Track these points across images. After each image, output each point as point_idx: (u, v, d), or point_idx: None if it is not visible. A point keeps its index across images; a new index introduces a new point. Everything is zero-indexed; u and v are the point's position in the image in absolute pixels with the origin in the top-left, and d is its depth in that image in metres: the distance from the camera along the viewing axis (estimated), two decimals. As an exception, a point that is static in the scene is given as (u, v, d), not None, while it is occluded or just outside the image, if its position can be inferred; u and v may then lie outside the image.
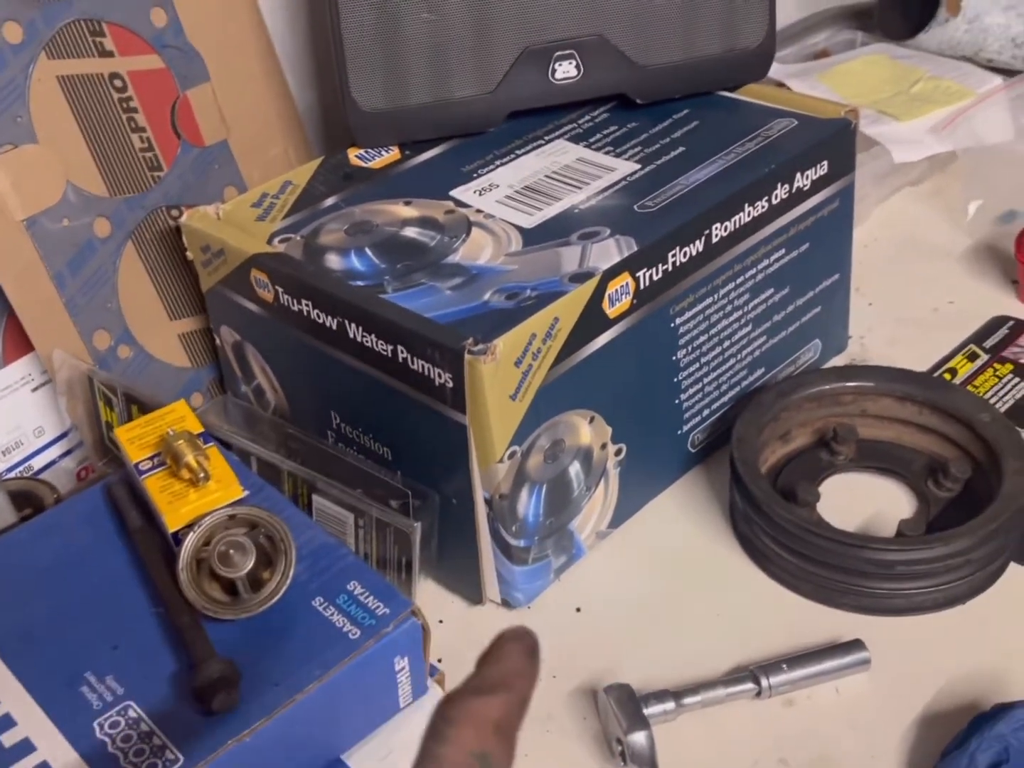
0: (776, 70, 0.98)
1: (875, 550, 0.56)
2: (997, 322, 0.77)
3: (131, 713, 0.45)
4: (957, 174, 0.91)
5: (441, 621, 0.60)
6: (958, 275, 0.84)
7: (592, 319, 0.57)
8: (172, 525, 0.49)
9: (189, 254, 0.66)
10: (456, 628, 0.60)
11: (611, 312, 0.58)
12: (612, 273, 0.57)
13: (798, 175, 0.65)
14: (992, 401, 0.70)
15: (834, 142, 0.67)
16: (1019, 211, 0.86)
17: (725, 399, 0.68)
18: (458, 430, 0.55)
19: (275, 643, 0.47)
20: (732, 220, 0.62)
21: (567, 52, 0.69)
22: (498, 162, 0.68)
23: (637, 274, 0.58)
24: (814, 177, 0.66)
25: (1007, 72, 0.98)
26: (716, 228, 0.62)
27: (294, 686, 0.45)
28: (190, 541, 0.48)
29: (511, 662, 0.31)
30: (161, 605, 0.49)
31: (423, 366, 0.54)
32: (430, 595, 0.62)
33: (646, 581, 0.62)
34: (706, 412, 0.67)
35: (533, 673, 0.31)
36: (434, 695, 0.51)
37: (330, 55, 0.69)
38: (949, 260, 0.85)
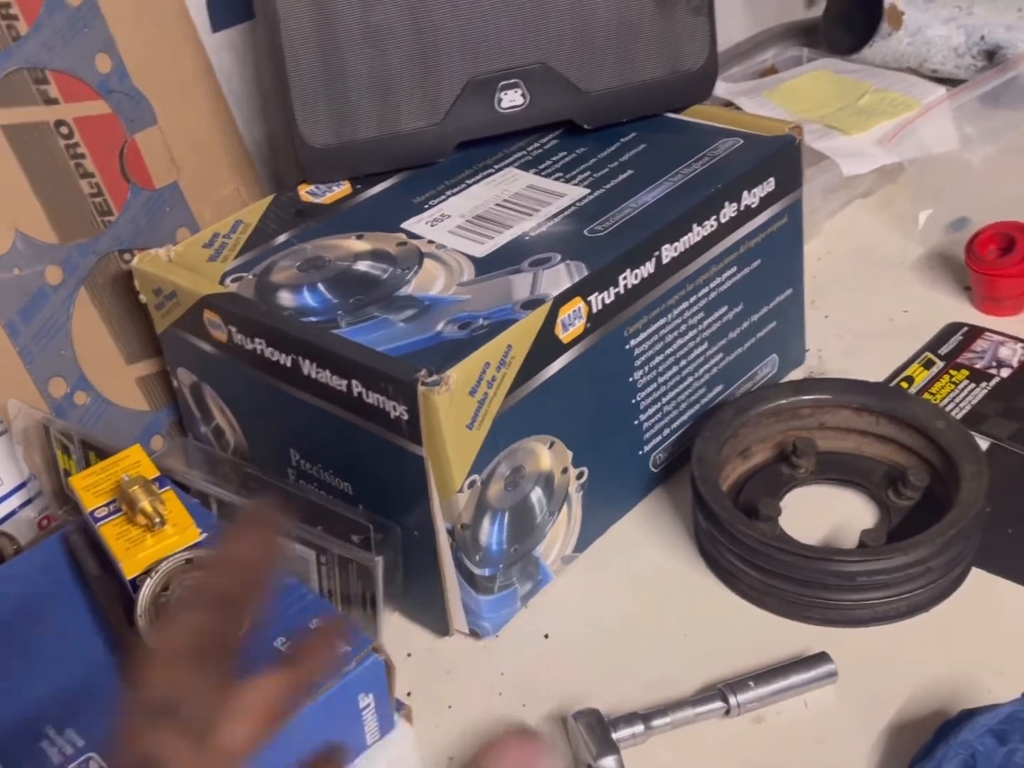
0: (724, 89, 0.99)
1: (837, 562, 0.57)
2: (951, 329, 0.78)
3: (92, 765, 0.44)
4: (906, 185, 0.92)
5: (409, 654, 0.60)
6: (911, 284, 0.84)
7: (546, 345, 0.57)
8: (129, 572, 0.49)
9: (142, 297, 0.66)
10: (424, 661, 0.60)
11: (564, 337, 0.58)
12: (563, 299, 0.57)
13: (745, 193, 0.66)
14: (949, 407, 0.71)
15: (779, 159, 0.68)
16: (968, 218, 0.87)
17: (685, 417, 0.68)
18: (416, 462, 0.55)
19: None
20: (681, 240, 0.63)
21: (512, 81, 0.69)
22: (449, 192, 0.69)
23: (589, 298, 0.59)
24: (761, 194, 0.67)
25: (952, 81, 0.99)
26: (666, 249, 0.62)
27: (257, 729, 0.45)
28: (147, 587, 0.47)
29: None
30: (121, 652, 0.48)
31: (378, 399, 0.54)
32: (396, 628, 0.61)
33: (613, 604, 0.62)
34: (666, 431, 0.68)
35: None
36: (401, 730, 0.51)
37: (277, 92, 0.69)
38: (902, 269, 0.86)
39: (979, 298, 0.80)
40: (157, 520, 0.50)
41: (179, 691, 0.27)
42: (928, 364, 0.75)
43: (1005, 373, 0.73)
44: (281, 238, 0.66)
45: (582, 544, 0.65)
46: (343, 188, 0.71)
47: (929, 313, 0.80)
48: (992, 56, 1.00)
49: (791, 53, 1.08)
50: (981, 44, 1.00)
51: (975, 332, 0.77)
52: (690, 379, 0.68)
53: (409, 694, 0.57)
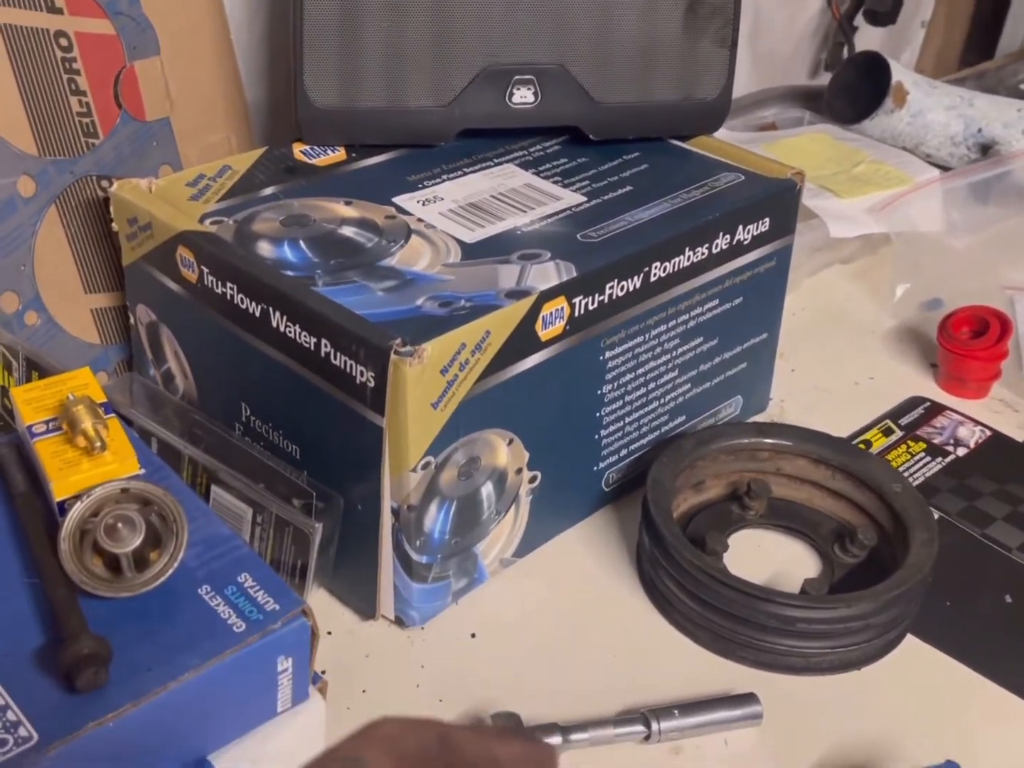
0: (724, 136, 0.99)
1: (779, 604, 0.56)
2: (914, 402, 0.79)
3: (-14, 683, 0.42)
4: (887, 258, 0.93)
5: (330, 633, 0.58)
6: (880, 353, 0.85)
7: (523, 338, 0.56)
8: (59, 493, 0.46)
9: (115, 225, 0.64)
10: (344, 642, 0.58)
11: (543, 335, 0.57)
12: (549, 295, 0.56)
13: (740, 228, 0.66)
14: (903, 476, 0.71)
15: (778, 201, 0.68)
16: (943, 300, 0.88)
17: (643, 442, 0.67)
18: (374, 432, 0.53)
19: (153, 628, 0.45)
20: (672, 262, 0.62)
21: (527, 77, 0.69)
22: (445, 176, 0.68)
23: (573, 300, 0.58)
24: (755, 232, 0.67)
25: (944, 169, 1.00)
26: (655, 267, 0.61)
27: (168, 674, 0.43)
28: (76, 510, 0.45)
29: (509, 753, 0.28)
30: (36, 575, 0.46)
31: (346, 362, 0.53)
32: (321, 605, 0.59)
33: (545, 614, 0.60)
34: (624, 452, 0.66)
35: None
36: (315, 703, 0.48)
37: (286, 49, 0.68)
38: (872, 338, 0.87)
39: (945, 377, 0.80)
40: (98, 444, 0.47)
41: None
42: (887, 431, 0.75)
43: (961, 452, 0.74)
44: (268, 191, 0.65)
45: (523, 549, 0.63)
46: (338, 154, 0.69)
47: (894, 383, 0.81)
48: (986, 150, 1.02)
49: (793, 114, 1.09)
50: (977, 136, 1.02)
51: (937, 408, 0.78)
52: (655, 403, 0.67)
53: (324, 672, 0.54)
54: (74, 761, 0.40)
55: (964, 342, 0.78)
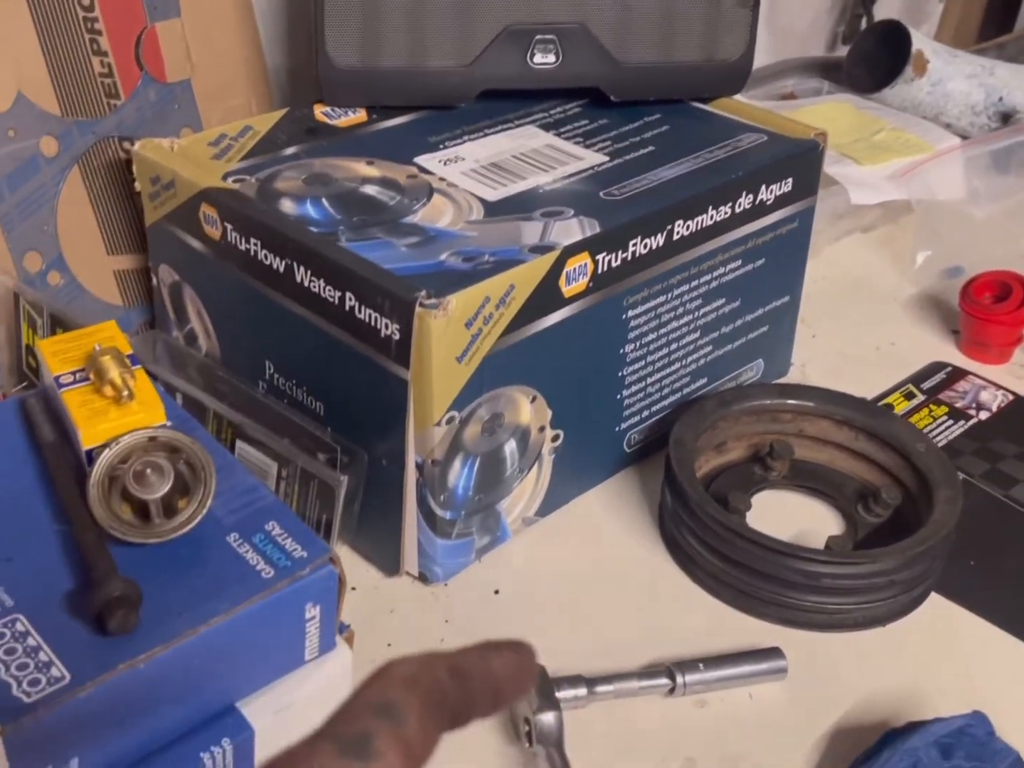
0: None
1: (804, 560, 0.56)
2: (936, 367, 0.78)
3: (19, 626, 0.42)
4: (908, 226, 0.92)
5: (354, 588, 0.58)
6: (901, 320, 0.85)
7: (547, 294, 0.56)
8: (88, 442, 0.47)
9: (137, 185, 0.64)
10: (368, 597, 0.58)
11: (567, 291, 0.57)
12: (572, 250, 0.56)
13: (763, 187, 0.65)
14: (925, 439, 0.70)
15: (801, 161, 0.68)
16: (963, 268, 0.88)
17: (665, 403, 0.67)
18: (399, 386, 0.53)
19: (183, 573, 0.45)
20: (695, 220, 0.62)
21: (548, 37, 0.68)
22: (466, 137, 0.67)
23: (597, 256, 0.57)
24: (778, 192, 0.67)
25: (963, 138, 1.00)
26: (678, 225, 0.61)
27: (197, 618, 0.43)
28: (105, 456, 0.45)
29: (503, 663, 0.29)
30: (66, 523, 0.46)
31: (371, 315, 0.53)
32: (345, 562, 0.58)
33: (568, 571, 0.60)
34: (645, 413, 0.66)
35: (510, 690, 0.29)
36: (341, 653, 0.49)
37: (306, 12, 0.68)
38: (893, 305, 0.86)
39: (966, 342, 0.80)
40: (125, 393, 0.47)
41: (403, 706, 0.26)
42: (909, 395, 0.75)
43: (984, 416, 0.73)
44: (289, 150, 0.65)
45: (545, 508, 0.63)
46: (359, 115, 0.69)
47: (915, 349, 0.80)
48: (1007, 119, 1.01)
49: (811, 84, 1.09)
50: (999, 105, 1.01)
51: (959, 373, 0.77)
52: (677, 365, 0.67)
53: (349, 625, 0.54)
54: (105, 701, 0.40)
55: (986, 306, 0.78)
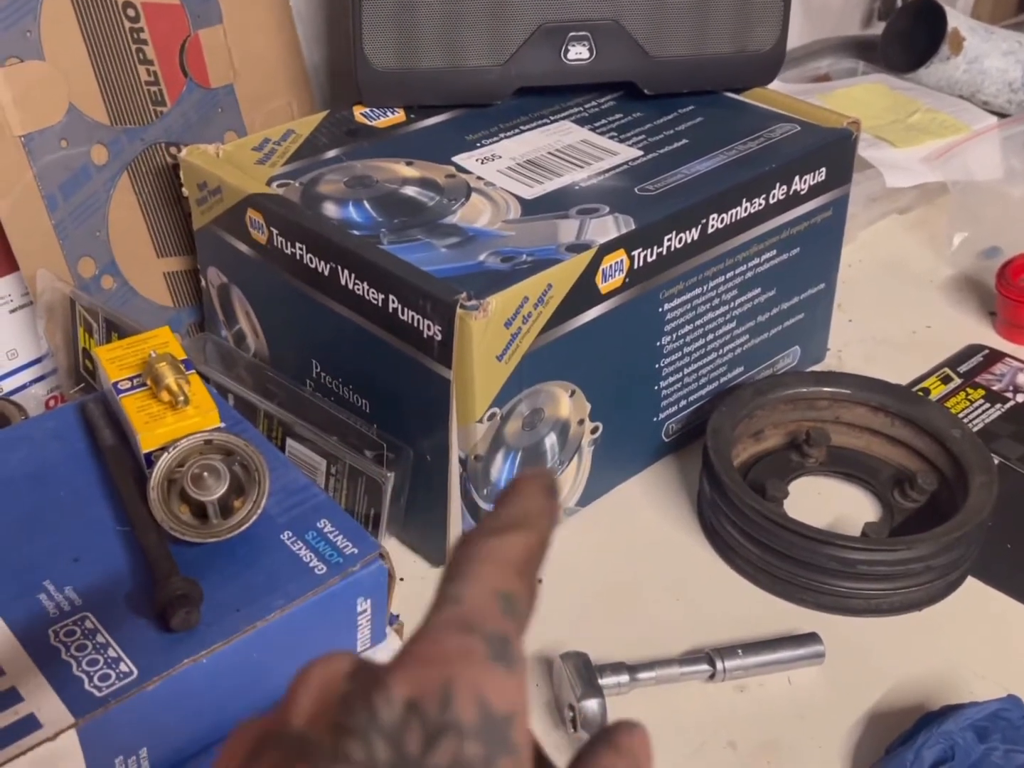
0: (777, 88, 0.99)
1: (840, 547, 0.57)
2: (972, 350, 0.79)
3: (88, 624, 0.44)
4: (944, 207, 0.92)
5: (402, 579, 0.60)
6: (937, 302, 0.85)
7: (584, 291, 0.57)
8: (146, 445, 0.49)
9: (185, 190, 0.66)
10: (416, 588, 0.60)
11: (603, 287, 0.58)
12: (608, 248, 0.57)
13: (796, 178, 0.66)
14: (962, 422, 0.71)
15: (834, 150, 0.68)
16: (1001, 248, 0.88)
17: (702, 392, 0.69)
18: (441, 385, 0.55)
19: (240, 571, 0.47)
20: (729, 213, 0.63)
21: (582, 33, 0.69)
22: (502, 135, 0.69)
23: (632, 252, 0.59)
24: (812, 182, 0.67)
25: (1001, 116, 0.99)
26: (713, 219, 0.62)
27: (255, 614, 0.45)
28: (164, 460, 0.47)
29: (530, 500, 0.27)
30: (127, 524, 0.48)
31: (413, 317, 0.54)
32: (393, 553, 0.61)
33: (608, 560, 0.62)
34: (683, 403, 0.68)
35: (553, 511, 0.27)
36: (392, 643, 0.51)
37: (344, 14, 0.69)
38: (930, 288, 0.87)
39: (1003, 324, 0.80)
40: (181, 398, 0.50)
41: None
42: (946, 379, 0.76)
43: (1021, 398, 0.74)
44: (331, 153, 0.66)
45: (585, 499, 0.65)
46: (397, 115, 0.71)
47: (952, 332, 0.81)
48: (1045, 96, 1.01)
49: (846, 64, 1.09)
50: (1036, 82, 1.01)
51: (996, 356, 0.78)
52: (714, 355, 0.68)
53: (399, 616, 0.56)
54: (171, 695, 0.43)
55: (1023, 289, 0.78)
